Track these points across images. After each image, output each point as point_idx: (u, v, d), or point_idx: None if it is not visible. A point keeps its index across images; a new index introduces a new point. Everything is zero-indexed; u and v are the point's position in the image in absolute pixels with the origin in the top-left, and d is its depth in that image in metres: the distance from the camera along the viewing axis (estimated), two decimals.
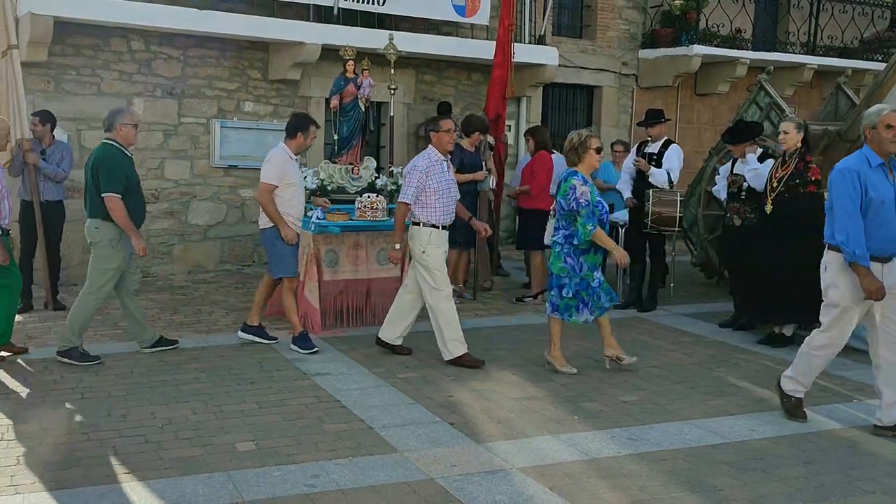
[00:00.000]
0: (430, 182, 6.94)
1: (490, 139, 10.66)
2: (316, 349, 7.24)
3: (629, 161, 9.47)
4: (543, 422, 5.71)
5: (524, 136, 10.04)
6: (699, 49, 13.69)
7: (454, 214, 7.20)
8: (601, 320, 6.90)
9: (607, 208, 6.93)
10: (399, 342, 7.34)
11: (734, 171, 8.42)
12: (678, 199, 8.88)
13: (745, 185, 8.23)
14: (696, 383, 6.71)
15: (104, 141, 6.89)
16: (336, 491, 4.50)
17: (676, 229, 8.98)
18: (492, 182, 9.85)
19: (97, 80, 10.21)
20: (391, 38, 9.46)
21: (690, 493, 4.63)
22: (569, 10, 14.36)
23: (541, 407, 6.03)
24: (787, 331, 7.91)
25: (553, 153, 10.00)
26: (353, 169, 8.64)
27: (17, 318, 8.23)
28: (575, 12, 14.42)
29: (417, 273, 7.09)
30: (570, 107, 14.33)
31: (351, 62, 8.55)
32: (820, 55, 15.13)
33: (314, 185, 8.39)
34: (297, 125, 7.30)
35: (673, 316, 9.19)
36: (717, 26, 14.19)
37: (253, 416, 5.64)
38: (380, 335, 7.36)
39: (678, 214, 8.84)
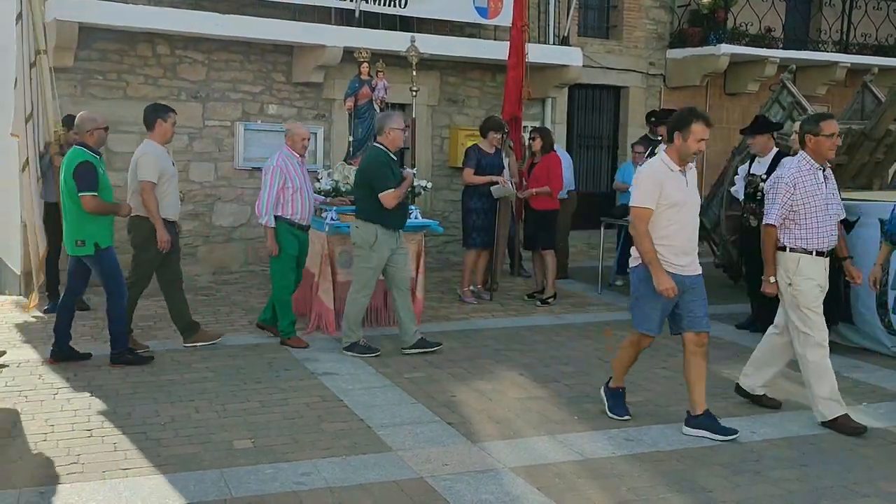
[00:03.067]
0: (798, 198, 5.75)
1: (509, 141, 10.69)
2: None
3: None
4: (542, 422, 5.72)
5: (530, 136, 10.03)
6: (727, 48, 13.55)
7: (834, 238, 6.00)
8: None
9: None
10: (762, 392, 6.23)
11: (751, 172, 8.33)
12: None
13: (762, 185, 8.14)
14: (707, 384, 6.54)
15: (374, 145, 7.35)
16: (324, 489, 4.56)
17: None
18: (512, 186, 9.82)
19: (123, 84, 10.40)
20: (413, 41, 9.52)
21: (679, 493, 4.61)
22: (595, 11, 14.30)
23: (542, 407, 6.04)
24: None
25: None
26: None
27: (43, 316, 8.48)
28: (601, 12, 14.35)
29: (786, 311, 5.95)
30: (596, 107, 14.28)
31: (365, 64, 8.60)
32: (853, 53, 14.88)
33: (329, 186, 8.47)
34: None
35: None
36: (746, 25, 14.04)
37: (254, 415, 5.72)
38: (739, 382, 6.32)
39: None
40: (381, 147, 7.21)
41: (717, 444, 5.35)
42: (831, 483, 4.80)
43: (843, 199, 7.69)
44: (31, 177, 8.62)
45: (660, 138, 9.40)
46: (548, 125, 12.93)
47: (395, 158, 7.33)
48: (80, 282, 7.09)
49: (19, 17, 8.78)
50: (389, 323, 8.33)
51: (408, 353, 7.28)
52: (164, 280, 7.43)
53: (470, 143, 10.35)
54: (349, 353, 7.20)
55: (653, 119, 11.08)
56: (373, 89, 8.64)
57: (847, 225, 7.71)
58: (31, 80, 8.69)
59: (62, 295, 7.25)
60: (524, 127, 11.06)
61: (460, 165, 10.53)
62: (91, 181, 6.65)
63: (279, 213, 7.47)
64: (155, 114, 7.33)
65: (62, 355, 6.92)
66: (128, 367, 6.78)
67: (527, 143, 10.40)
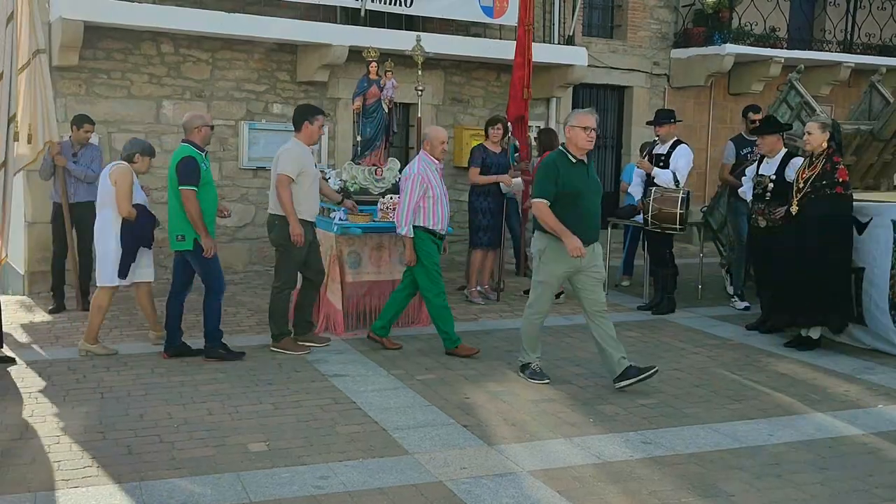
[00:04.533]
0: None
1: (515, 141, 10.65)
2: None
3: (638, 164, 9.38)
4: (558, 424, 5.68)
5: (535, 137, 10.08)
6: (732, 48, 13.52)
7: None
8: None
9: None
10: None
11: (760, 172, 8.30)
12: (680, 196, 8.75)
13: (770, 185, 8.12)
14: (717, 387, 6.63)
15: (560, 149, 6.50)
16: (343, 493, 4.51)
17: (678, 227, 8.82)
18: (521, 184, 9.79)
19: (127, 83, 10.34)
20: (418, 40, 9.47)
21: (701, 498, 4.57)
22: (599, 10, 14.26)
23: (556, 409, 5.99)
24: (815, 333, 7.79)
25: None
26: (376, 170, 8.66)
27: (48, 318, 8.42)
28: (606, 12, 14.31)
29: None
30: (600, 107, 14.18)
31: (374, 64, 8.56)
32: (857, 53, 14.86)
33: (337, 186, 8.42)
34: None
35: (700, 318, 9.09)
36: (751, 25, 14.00)
37: (268, 417, 5.67)
38: None
39: (678, 212, 8.70)
40: (562, 148, 6.49)
41: (737, 447, 5.32)
42: (853, 487, 4.76)
43: (854, 200, 7.75)
44: (6, 176, 8.42)
45: (656, 139, 9.36)
46: (552, 125, 12.89)
47: (575, 160, 6.37)
48: (184, 277, 7.23)
49: (10, 16, 8.68)
50: (397, 323, 8.26)
51: (623, 387, 6.40)
52: (306, 275, 7.56)
53: (475, 143, 10.31)
54: (520, 374, 6.72)
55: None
56: (381, 89, 8.59)
57: (859, 226, 7.70)
58: (21, 80, 8.57)
59: (169, 290, 7.28)
60: (529, 127, 11.01)
61: (465, 165, 10.49)
62: (193, 176, 6.80)
63: (418, 223, 7.27)
64: (302, 116, 7.43)
65: (175, 351, 7.06)
66: (125, 368, 6.78)
67: (533, 143, 10.39)
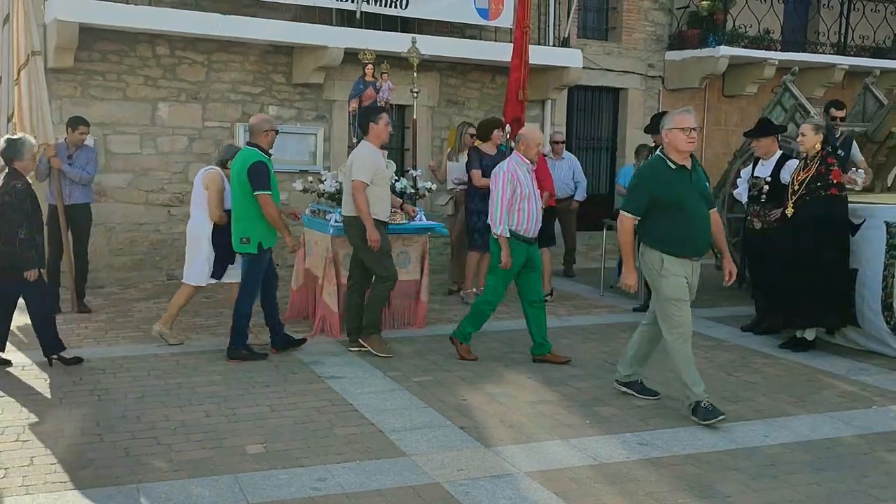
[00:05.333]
0: None
1: (511, 143, 10.65)
2: None
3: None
4: (555, 426, 5.69)
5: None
6: (726, 50, 13.55)
7: None
8: None
9: None
10: None
11: (755, 174, 8.33)
12: None
13: (766, 188, 8.15)
14: (714, 388, 6.62)
15: (658, 155, 5.91)
16: (340, 494, 4.52)
17: None
18: None
19: (123, 85, 10.34)
20: (414, 42, 9.48)
21: (698, 499, 4.58)
22: (594, 12, 14.27)
23: (553, 411, 6.01)
24: (809, 335, 7.81)
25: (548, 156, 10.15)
26: None
27: None
28: (600, 14, 14.33)
29: None
30: (595, 109, 14.26)
31: (370, 66, 8.56)
32: (851, 55, 14.91)
33: (333, 189, 8.42)
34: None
35: (695, 319, 8.98)
36: (745, 27, 14.04)
37: (265, 419, 5.68)
38: None
39: None
40: (660, 154, 5.89)
41: (732, 448, 5.34)
42: (849, 487, 4.78)
43: (848, 202, 7.78)
44: None
45: (654, 143, 9.37)
46: (547, 127, 12.93)
47: (675, 166, 5.78)
48: (263, 277, 7.29)
49: (6, 18, 8.69)
50: (392, 325, 8.29)
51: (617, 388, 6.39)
52: (366, 279, 7.53)
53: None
54: (693, 417, 5.77)
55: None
56: (377, 91, 8.59)
57: (852, 227, 7.73)
58: (18, 82, 8.58)
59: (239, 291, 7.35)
60: None
61: None
62: (265, 180, 6.94)
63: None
64: (366, 118, 7.52)
65: (237, 354, 7.15)
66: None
67: None
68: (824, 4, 15.04)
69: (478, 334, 7.67)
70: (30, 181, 6.89)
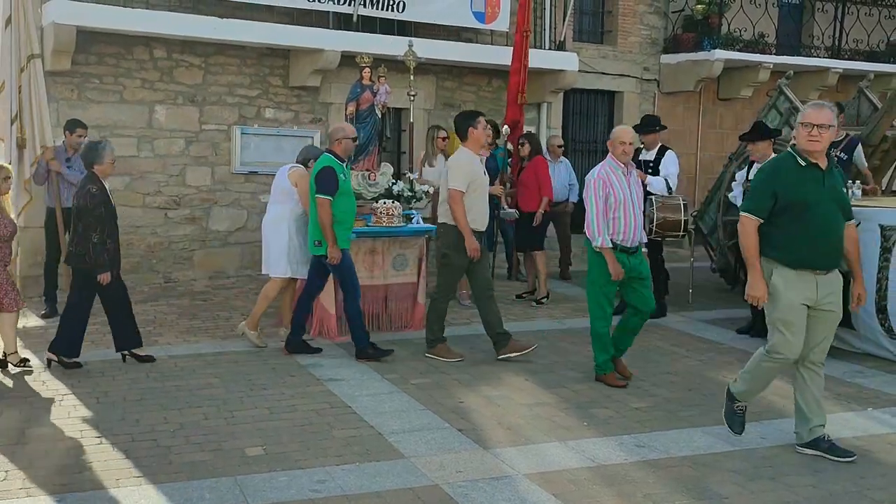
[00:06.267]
0: None
1: (508, 145, 10.70)
2: None
3: None
4: (552, 428, 5.72)
5: (519, 142, 10.22)
6: (721, 54, 13.62)
7: None
8: None
9: None
10: None
11: (749, 178, 8.36)
12: (681, 203, 8.87)
13: None
14: (710, 390, 6.68)
15: (789, 150, 5.31)
16: (340, 496, 4.54)
17: (681, 234, 8.93)
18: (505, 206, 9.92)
19: (120, 88, 10.35)
20: (410, 45, 9.51)
21: (696, 500, 4.62)
22: (590, 16, 14.33)
23: (551, 413, 6.03)
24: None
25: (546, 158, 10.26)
26: (369, 175, 8.68)
27: (41, 322, 8.40)
28: (596, 18, 14.38)
29: None
30: (591, 112, 14.31)
31: (367, 69, 8.58)
32: (845, 59, 14.99)
33: None
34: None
35: (691, 322, 9.16)
36: (740, 30, 14.11)
37: (264, 422, 5.70)
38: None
39: (682, 219, 8.80)
40: (790, 150, 5.30)
41: (730, 449, 5.37)
42: (846, 488, 4.82)
43: None
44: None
45: (641, 146, 9.41)
46: (543, 130, 12.97)
47: (805, 163, 5.13)
48: (319, 280, 7.54)
49: (8, 21, 8.70)
50: (390, 328, 8.32)
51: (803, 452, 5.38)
52: (475, 288, 7.53)
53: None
54: (805, 449, 5.32)
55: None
56: (375, 94, 8.61)
57: None
58: (19, 84, 8.60)
59: (303, 289, 7.58)
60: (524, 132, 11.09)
61: None
62: (329, 186, 7.09)
63: None
64: (464, 122, 7.40)
65: (295, 347, 7.39)
66: (120, 372, 6.82)
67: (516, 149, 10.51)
68: (819, 8, 15.12)
69: (473, 336, 7.71)
70: (106, 186, 7.00)
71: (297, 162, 7.97)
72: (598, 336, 6.72)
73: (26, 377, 6.61)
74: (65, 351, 6.84)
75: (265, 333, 7.92)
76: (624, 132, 6.65)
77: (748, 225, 5.20)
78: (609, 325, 6.69)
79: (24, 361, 6.86)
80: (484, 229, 7.42)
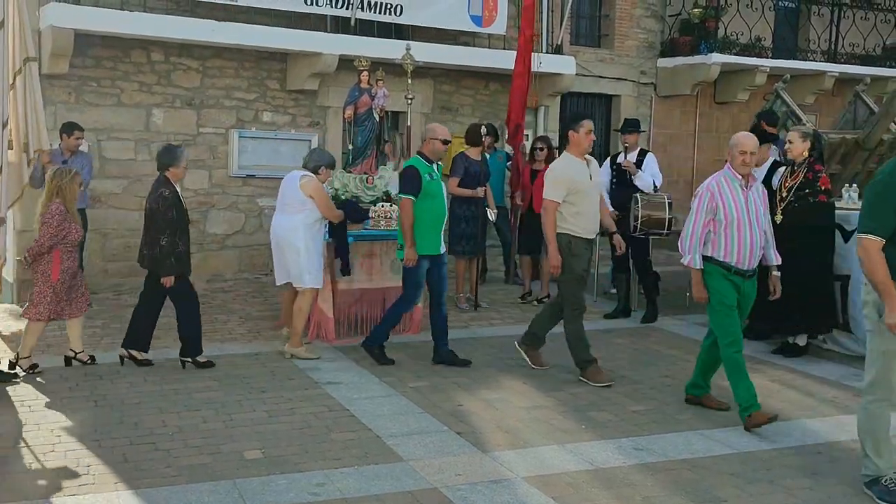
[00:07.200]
0: None
1: (508, 148, 10.72)
2: None
3: (605, 173, 9.38)
4: (551, 431, 5.73)
5: (536, 146, 10.24)
6: (718, 57, 13.63)
7: None
8: None
9: None
10: None
11: None
12: (666, 201, 8.93)
13: None
14: None
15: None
16: (339, 499, 4.55)
17: (665, 232, 8.97)
18: (492, 215, 9.87)
19: (117, 91, 10.35)
20: (408, 49, 9.50)
21: (694, 503, 4.62)
22: (587, 20, 14.36)
23: (549, 416, 6.04)
24: (801, 340, 7.87)
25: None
26: (367, 178, 8.69)
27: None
28: (593, 21, 14.41)
29: None
30: (588, 115, 14.27)
31: (365, 73, 8.59)
32: (841, 63, 15.02)
33: (329, 194, 8.43)
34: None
35: (689, 325, 9.16)
36: (737, 34, 14.13)
37: (262, 425, 5.70)
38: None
39: (668, 217, 8.86)
40: None
41: (728, 453, 5.38)
42: (843, 492, 4.83)
43: (841, 209, 7.86)
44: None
45: (626, 146, 9.45)
46: (541, 133, 12.96)
47: None
48: (439, 287, 7.36)
49: (2, 23, 8.68)
50: (398, 331, 8.30)
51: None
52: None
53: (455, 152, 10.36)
54: (866, 490, 4.78)
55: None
56: (373, 98, 8.63)
57: (845, 234, 7.79)
58: (13, 87, 8.58)
59: (430, 301, 7.47)
60: (525, 136, 11.12)
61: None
62: (410, 186, 7.03)
63: (707, 252, 5.87)
64: (566, 126, 7.17)
65: (370, 351, 7.31)
66: (119, 376, 6.75)
67: (527, 151, 10.49)
68: (815, 12, 15.16)
69: (469, 340, 7.67)
70: (178, 189, 7.08)
71: (305, 168, 7.63)
72: (733, 364, 5.83)
73: (25, 380, 6.59)
74: (136, 348, 7.04)
75: (266, 336, 7.93)
76: (746, 139, 5.85)
77: (871, 248, 4.51)
78: (741, 349, 5.90)
79: (92, 359, 7.05)
80: (593, 237, 7.00)
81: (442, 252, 7.33)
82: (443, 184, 7.41)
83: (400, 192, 7.10)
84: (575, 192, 6.77)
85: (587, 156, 7.00)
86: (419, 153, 7.34)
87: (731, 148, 5.86)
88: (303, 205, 7.36)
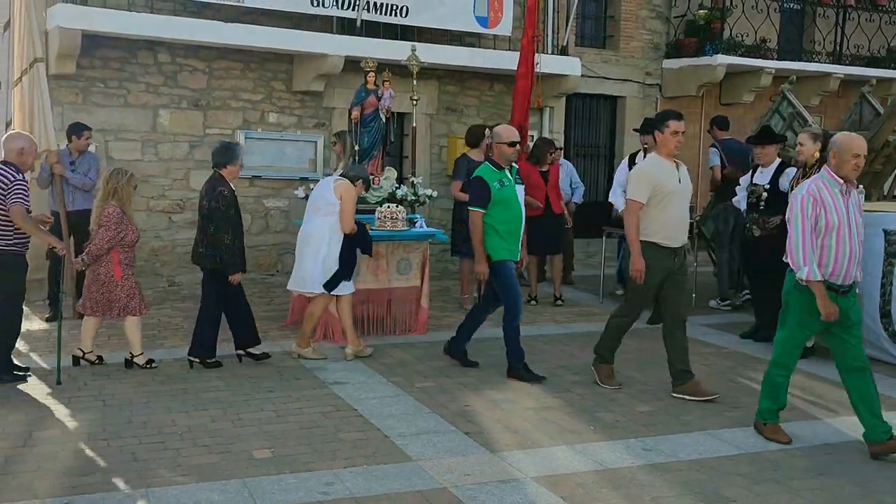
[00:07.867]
0: None
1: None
2: None
3: (620, 174, 9.39)
4: (558, 432, 5.73)
5: (549, 150, 10.28)
6: (723, 59, 13.62)
7: None
8: None
9: None
10: None
11: (754, 182, 8.39)
12: None
13: (764, 195, 8.21)
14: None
15: None
16: (349, 499, 4.56)
17: None
18: None
19: (124, 92, 10.38)
20: (413, 50, 9.53)
21: (703, 503, 4.63)
22: (592, 21, 14.37)
23: (556, 417, 6.05)
24: (808, 342, 7.85)
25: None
26: (373, 179, 8.71)
27: (45, 326, 8.41)
28: (598, 22, 14.42)
29: None
30: (593, 117, 14.34)
31: (372, 74, 8.62)
32: (846, 64, 15.01)
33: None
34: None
35: (694, 327, 9.12)
36: (742, 36, 14.12)
37: (270, 424, 5.71)
38: None
39: None
40: None
41: (736, 453, 5.39)
42: (850, 493, 4.84)
43: None
44: None
45: (645, 146, 9.44)
46: (545, 134, 12.98)
47: None
48: (488, 293, 7.28)
49: (7, 25, 8.73)
50: (394, 332, 8.34)
51: None
52: (665, 315, 6.70)
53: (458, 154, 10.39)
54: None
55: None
56: (379, 98, 8.65)
57: None
58: (18, 83, 8.64)
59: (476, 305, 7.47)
60: (531, 136, 11.15)
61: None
62: (479, 198, 6.78)
63: None
64: (652, 126, 6.98)
65: (516, 374, 6.99)
66: (127, 375, 6.77)
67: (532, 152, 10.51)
68: (820, 14, 15.14)
69: (475, 340, 7.68)
70: (233, 188, 7.10)
71: (345, 176, 7.58)
72: (773, 384, 5.68)
73: (31, 380, 6.61)
74: (206, 353, 7.07)
75: (271, 338, 7.95)
76: (859, 141, 5.35)
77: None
78: (790, 376, 5.68)
79: (100, 359, 7.08)
80: (677, 245, 6.52)
81: (517, 258, 7.11)
82: (519, 188, 7.10)
83: (468, 205, 6.86)
84: (660, 196, 6.33)
85: (675, 160, 6.53)
86: (488, 160, 7.07)
87: (839, 151, 5.29)
88: (332, 207, 7.29)
